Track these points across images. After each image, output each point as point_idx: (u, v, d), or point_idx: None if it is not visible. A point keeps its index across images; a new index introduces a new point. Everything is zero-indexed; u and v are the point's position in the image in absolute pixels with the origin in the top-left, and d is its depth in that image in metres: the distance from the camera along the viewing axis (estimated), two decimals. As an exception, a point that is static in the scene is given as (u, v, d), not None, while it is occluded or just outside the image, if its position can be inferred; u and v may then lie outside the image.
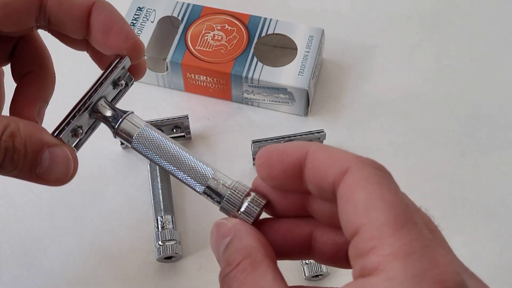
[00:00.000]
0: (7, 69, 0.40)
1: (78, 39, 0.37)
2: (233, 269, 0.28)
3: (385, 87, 0.60)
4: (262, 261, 0.28)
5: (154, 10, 0.60)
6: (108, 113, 0.34)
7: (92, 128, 0.36)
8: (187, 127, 0.55)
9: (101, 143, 0.56)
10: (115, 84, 0.36)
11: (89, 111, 0.34)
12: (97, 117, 0.35)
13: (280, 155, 0.29)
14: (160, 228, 0.50)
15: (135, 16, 0.59)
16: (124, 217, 0.53)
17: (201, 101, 0.59)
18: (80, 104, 0.34)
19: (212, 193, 0.31)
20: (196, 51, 0.57)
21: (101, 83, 0.34)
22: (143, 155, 0.33)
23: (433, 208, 0.53)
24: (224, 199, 0.31)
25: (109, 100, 0.35)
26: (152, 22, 0.59)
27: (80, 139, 0.35)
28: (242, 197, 0.31)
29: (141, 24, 0.59)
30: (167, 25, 0.61)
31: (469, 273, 0.27)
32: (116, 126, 0.34)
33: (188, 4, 0.60)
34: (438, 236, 0.29)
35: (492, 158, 0.56)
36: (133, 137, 0.33)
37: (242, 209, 0.31)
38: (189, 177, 0.32)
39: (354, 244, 0.25)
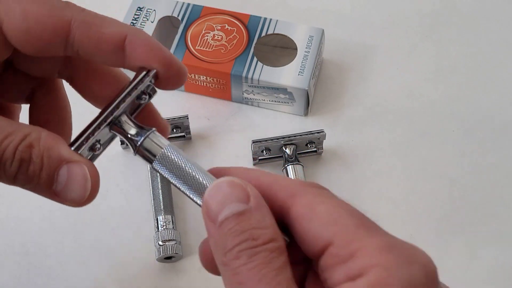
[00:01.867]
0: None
1: (104, 81, 0.35)
2: (260, 244, 0.26)
3: (385, 87, 0.60)
4: (285, 251, 0.27)
5: (154, 10, 0.60)
6: (131, 130, 0.32)
7: (109, 141, 0.33)
8: (187, 127, 0.55)
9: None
10: (138, 97, 0.33)
11: (110, 125, 0.32)
12: (118, 132, 0.32)
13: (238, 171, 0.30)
14: (160, 228, 0.50)
15: (135, 16, 0.59)
16: (124, 217, 0.53)
17: (201, 101, 0.59)
18: (102, 118, 0.31)
19: None
20: (196, 51, 0.57)
21: (125, 98, 0.32)
22: (162, 175, 0.31)
23: (433, 208, 0.54)
24: None
25: (129, 112, 0.33)
26: (152, 22, 0.59)
27: (96, 153, 0.32)
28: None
29: (141, 24, 0.59)
30: (167, 25, 0.61)
31: None
32: (138, 144, 0.31)
33: (188, 4, 0.60)
34: None
35: (492, 158, 0.56)
36: (156, 157, 0.31)
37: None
38: None
39: (330, 254, 0.26)
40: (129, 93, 0.32)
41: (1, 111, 0.37)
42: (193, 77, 0.58)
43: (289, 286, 0.26)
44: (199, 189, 0.30)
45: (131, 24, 0.59)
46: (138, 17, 0.59)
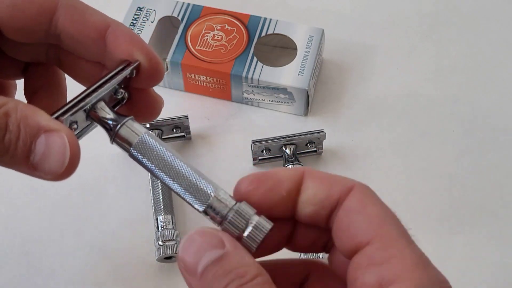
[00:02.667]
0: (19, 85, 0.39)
1: (92, 61, 0.35)
2: (248, 281, 0.26)
3: (385, 87, 0.60)
4: (272, 284, 0.27)
5: (154, 10, 0.60)
6: (107, 115, 0.31)
7: (84, 131, 0.33)
8: (187, 127, 0.55)
9: (101, 143, 0.56)
10: (115, 91, 0.33)
11: (87, 109, 0.31)
12: (95, 118, 0.32)
13: (273, 183, 0.29)
14: (160, 228, 0.50)
15: (135, 16, 0.59)
16: (124, 217, 0.53)
17: (201, 101, 0.59)
18: (78, 99, 0.31)
19: (213, 213, 0.29)
20: (196, 51, 0.57)
21: (103, 84, 0.32)
22: (141, 164, 0.31)
23: (433, 208, 0.54)
24: (227, 221, 0.28)
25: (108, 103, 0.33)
26: (152, 22, 0.59)
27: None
28: (247, 221, 0.28)
29: (141, 24, 0.59)
30: (167, 25, 0.61)
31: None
32: (115, 131, 0.31)
33: (188, 4, 0.60)
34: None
35: (492, 158, 0.56)
36: (132, 145, 0.30)
37: (246, 234, 0.28)
38: (188, 194, 0.29)
39: (365, 254, 0.27)
40: (108, 81, 0.32)
41: None
42: (193, 77, 0.58)
43: None
44: (177, 177, 0.30)
45: (131, 24, 0.59)
46: (138, 17, 0.59)
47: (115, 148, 0.60)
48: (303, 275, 0.31)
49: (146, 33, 0.58)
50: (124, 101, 0.34)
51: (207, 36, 0.58)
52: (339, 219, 0.28)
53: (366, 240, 0.27)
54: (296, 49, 0.58)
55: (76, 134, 0.32)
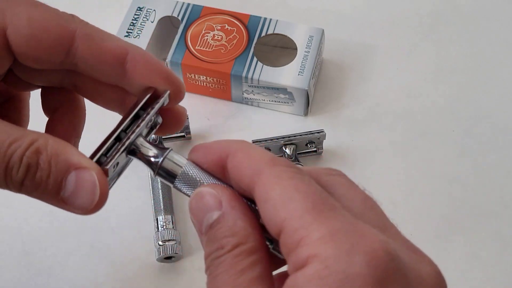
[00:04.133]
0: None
1: (110, 84, 0.34)
2: (226, 252, 0.27)
3: (385, 87, 0.60)
4: (256, 250, 0.27)
5: (154, 10, 0.60)
6: (149, 152, 0.31)
7: (124, 167, 0.33)
8: (187, 127, 0.55)
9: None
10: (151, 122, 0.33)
11: (127, 148, 0.31)
12: (135, 155, 0.32)
13: (205, 152, 0.30)
14: (160, 228, 0.50)
15: (135, 16, 0.59)
16: (124, 217, 0.53)
17: (201, 101, 0.59)
18: (119, 130, 0.31)
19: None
20: (196, 51, 0.57)
21: (138, 115, 0.31)
22: (184, 194, 0.31)
23: (433, 208, 0.54)
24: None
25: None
26: (152, 22, 0.59)
27: (111, 177, 0.32)
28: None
29: (141, 24, 0.59)
30: (167, 25, 0.61)
31: (409, 246, 0.27)
32: (158, 165, 0.31)
33: (188, 4, 0.60)
34: (376, 211, 0.28)
35: (492, 158, 0.56)
36: (176, 177, 0.30)
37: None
38: None
39: (283, 242, 0.25)
40: (139, 113, 0.32)
41: (10, 99, 0.37)
42: (193, 77, 0.58)
43: (251, 285, 0.26)
44: None
45: (131, 24, 0.59)
46: (138, 17, 0.59)
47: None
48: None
49: (146, 33, 0.58)
50: (158, 126, 0.34)
51: (207, 36, 0.58)
52: (259, 210, 0.27)
53: (278, 229, 0.26)
54: (296, 49, 0.58)
55: (116, 170, 0.32)
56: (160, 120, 0.34)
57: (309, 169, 0.29)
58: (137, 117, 0.32)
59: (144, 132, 0.33)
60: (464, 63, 0.62)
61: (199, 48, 0.57)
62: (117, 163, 0.31)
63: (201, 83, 0.58)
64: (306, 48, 0.57)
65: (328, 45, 0.61)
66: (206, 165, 0.30)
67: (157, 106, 0.32)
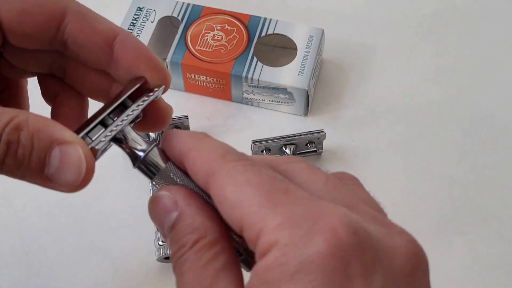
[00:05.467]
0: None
1: (97, 69, 0.34)
2: (187, 250, 0.27)
3: (385, 87, 0.60)
4: (216, 241, 0.27)
5: (154, 10, 0.60)
6: (135, 143, 0.31)
7: (103, 152, 0.32)
8: (187, 127, 0.55)
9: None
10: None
11: (115, 135, 0.30)
12: (120, 143, 0.31)
13: (168, 148, 0.30)
14: (160, 228, 0.50)
15: (135, 16, 0.59)
16: (124, 217, 0.53)
17: (201, 101, 0.59)
18: (105, 113, 0.30)
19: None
20: (196, 51, 0.57)
21: (138, 107, 0.31)
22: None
23: (433, 208, 0.54)
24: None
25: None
26: (152, 22, 0.59)
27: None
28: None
29: (141, 24, 0.59)
30: (167, 25, 0.61)
31: (379, 220, 0.26)
32: (140, 159, 0.30)
33: (188, 4, 0.60)
34: (340, 191, 0.28)
35: (492, 158, 0.56)
36: (156, 174, 0.30)
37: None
38: None
39: (246, 238, 0.25)
40: (126, 101, 0.31)
41: (8, 88, 0.37)
42: (193, 77, 0.58)
43: (216, 277, 0.26)
44: None
45: (131, 24, 0.59)
46: (138, 17, 0.59)
47: (115, 148, 0.60)
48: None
49: (146, 33, 0.58)
50: (139, 119, 0.33)
51: (207, 36, 0.58)
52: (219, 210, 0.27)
53: (239, 229, 0.25)
54: (296, 49, 0.58)
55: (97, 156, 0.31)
56: (141, 114, 0.33)
57: (268, 159, 0.29)
58: (123, 105, 0.31)
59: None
60: (464, 63, 0.62)
61: (199, 48, 0.57)
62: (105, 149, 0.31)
63: (201, 83, 0.58)
64: (306, 48, 0.57)
65: (328, 45, 0.61)
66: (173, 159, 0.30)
67: (151, 98, 0.31)
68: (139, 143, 0.30)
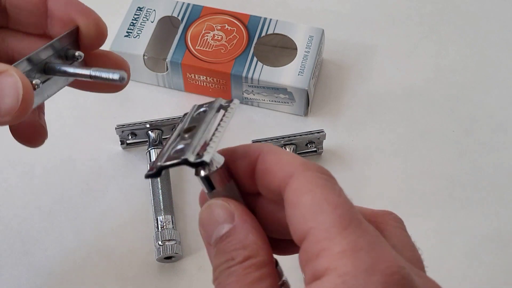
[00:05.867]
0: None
1: (39, 35, 0.36)
2: (236, 264, 0.27)
3: (385, 87, 0.60)
4: (265, 264, 0.27)
5: (154, 10, 0.60)
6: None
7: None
8: (187, 127, 0.55)
9: (100, 143, 0.56)
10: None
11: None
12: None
13: (231, 156, 0.29)
14: (160, 228, 0.50)
15: (135, 16, 0.59)
16: (124, 217, 0.53)
17: (201, 101, 0.59)
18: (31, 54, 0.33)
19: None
20: (196, 51, 0.57)
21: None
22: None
23: (433, 208, 0.54)
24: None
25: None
26: (152, 22, 0.59)
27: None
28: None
29: (141, 24, 0.59)
30: (167, 25, 0.61)
31: (415, 270, 0.27)
32: (207, 173, 0.29)
33: (188, 4, 0.60)
34: (415, 254, 0.29)
35: (492, 158, 0.56)
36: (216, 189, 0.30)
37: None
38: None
39: (304, 249, 0.26)
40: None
41: None
42: (193, 77, 0.58)
43: None
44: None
45: (131, 24, 0.59)
46: (138, 17, 0.59)
47: (115, 148, 0.60)
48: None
49: (146, 33, 0.58)
50: (81, 59, 0.36)
51: (207, 36, 0.58)
52: (286, 212, 0.27)
53: (302, 236, 0.26)
54: (296, 49, 0.58)
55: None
56: (78, 54, 0.35)
57: (362, 209, 0.29)
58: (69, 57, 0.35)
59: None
60: (464, 63, 0.62)
61: (199, 48, 0.57)
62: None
63: (201, 83, 0.58)
64: (306, 48, 0.57)
65: (328, 45, 0.61)
66: (235, 167, 0.29)
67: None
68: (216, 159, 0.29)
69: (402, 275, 0.24)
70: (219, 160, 0.29)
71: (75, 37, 0.35)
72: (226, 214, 0.28)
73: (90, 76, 0.33)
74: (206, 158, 0.27)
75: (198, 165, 0.28)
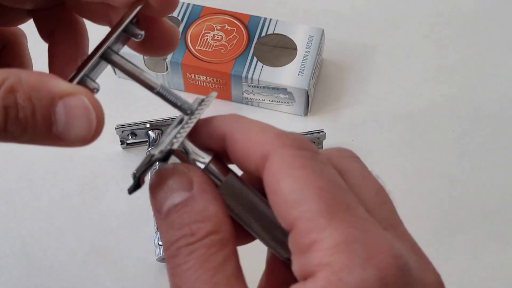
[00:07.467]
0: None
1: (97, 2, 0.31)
2: (197, 241, 0.24)
3: (385, 87, 0.60)
4: (229, 241, 0.24)
5: (154, 10, 0.60)
6: (196, 156, 0.28)
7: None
8: (187, 127, 0.55)
9: (101, 143, 0.56)
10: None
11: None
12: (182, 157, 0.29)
13: (207, 128, 0.27)
14: (160, 228, 0.50)
15: (135, 16, 0.59)
16: (124, 217, 0.53)
17: (201, 101, 0.59)
18: (103, 48, 0.28)
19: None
20: (196, 51, 0.57)
21: (113, 32, 0.28)
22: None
23: (433, 208, 0.54)
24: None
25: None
26: (152, 22, 0.59)
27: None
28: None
29: (141, 24, 0.59)
30: (167, 25, 0.61)
31: (416, 250, 0.26)
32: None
33: (188, 4, 0.60)
34: (387, 206, 0.27)
35: (492, 158, 0.56)
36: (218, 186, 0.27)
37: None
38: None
39: (293, 239, 0.24)
40: (117, 26, 0.29)
41: (7, 46, 0.35)
42: (193, 77, 0.58)
43: (229, 284, 0.24)
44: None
45: (131, 24, 0.59)
46: (138, 17, 0.59)
47: (115, 148, 0.60)
48: None
49: (146, 33, 0.58)
50: (140, 39, 0.31)
51: (207, 36, 0.58)
52: (268, 197, 0.25)
53: (289, 226, 0.24)
54: (296, 49, 0.58)
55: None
56: (139, 32, 0.30)
57: (320, 151, 0.26)
58: (127, 32, 0.29)
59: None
60: (464, 63, 0.62)
61: (199, 48, 0.57)
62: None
63: (201, 83, 0.58)
64: (306, 48, 0.57)
65: (328, 45, 0.61)
66: (210, 142, 0.27)
67: (209, 103, 0.29)
68: (201, 156, 0.27)
69: (399, 266, 0.23)
70: (202, 155, 0.27)
71: (136, 14, 0.30)
72: (184, 180, 0.25)
73: (157, 92, 0.29)
74: (175, 146, 0.25)
75: (165, 158, 0.26)
